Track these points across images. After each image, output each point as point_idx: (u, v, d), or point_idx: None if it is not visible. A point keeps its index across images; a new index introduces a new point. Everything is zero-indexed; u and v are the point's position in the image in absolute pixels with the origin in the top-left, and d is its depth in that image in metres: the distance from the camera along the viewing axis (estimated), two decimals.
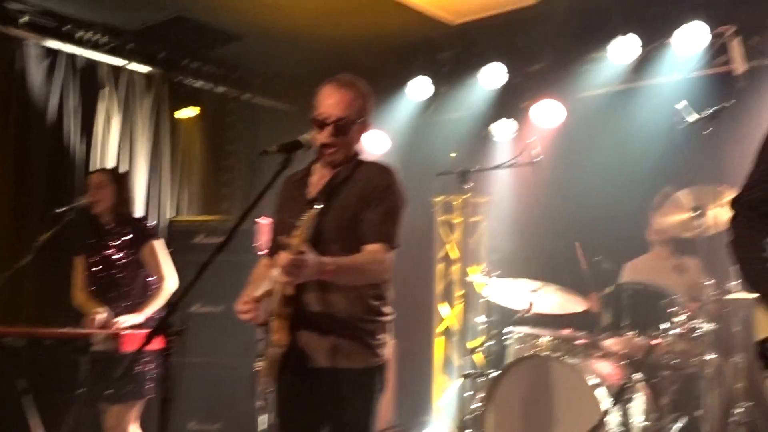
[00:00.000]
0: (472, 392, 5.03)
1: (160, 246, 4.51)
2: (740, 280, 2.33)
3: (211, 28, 6.26)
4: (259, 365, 2.83)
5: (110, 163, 6.17)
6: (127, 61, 6.44)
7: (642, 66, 5.92)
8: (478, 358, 5.42)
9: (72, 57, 6.13)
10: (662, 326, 4.48)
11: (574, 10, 5.87)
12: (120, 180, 4.61)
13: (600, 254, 5.17)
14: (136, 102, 6.56)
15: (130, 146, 6.50)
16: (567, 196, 6.13)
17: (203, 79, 7.01)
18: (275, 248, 2.90)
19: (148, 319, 4.29)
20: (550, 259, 5.73)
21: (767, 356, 2.18)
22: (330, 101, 2.88)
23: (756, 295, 2.25)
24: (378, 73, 6.66)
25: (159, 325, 2.37)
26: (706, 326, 4.46)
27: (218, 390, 5.58)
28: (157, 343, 2.36)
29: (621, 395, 4.32)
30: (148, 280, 4.47)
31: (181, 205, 6.90)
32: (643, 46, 5.77)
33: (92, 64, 6.26)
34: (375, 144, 6.75)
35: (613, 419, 4.25)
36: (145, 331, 4.02)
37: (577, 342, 4.86)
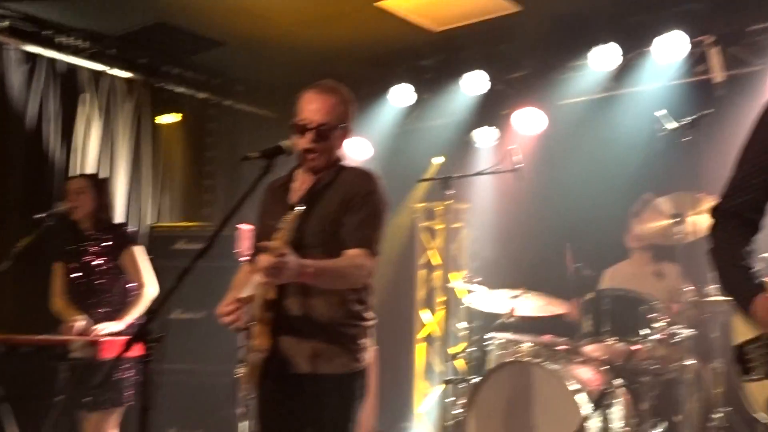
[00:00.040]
0: (453, 398, 5.04)
1: (140, 252, 4.48)
2: (719, 287, 2.35)
3: (192, 34, 6.24)
4: (241, 372, 2.82)
5: (90, 169, 6.12)
6: (108, 67, 6.41)
7: (622, 74, 5.98)
8: (460, 364, 5.43)
9: (52, 62, 6.09)
10: (642, 332, 4.51)
11: (555, 18, 5.91)
12: (100, 186, 4.58)
13: (580, 261, 5.19)
14: (116, 107, 6.52)
15: (111, 152, 6.46)
16: (548, 203, 6.16)
17: (185, 84, 6.99)
18: (257, 254, 2.89)
19: (129, 327, 4.26)
20: (531, 266, 5.76)
21: (744, 360, 2.20)
22: (311, 107, 2.88)
23: (733, 303, 2.27)
24: (360, 80, 6.67)
25: (138, 332, 2.36)
26: (686, 332, 4.49)
27: (199, 397, 5.54)
28: (137, 350, 2.35)
29: (601, 401, 4.34)
30: (128, 286, 4.43)
31: (162, 211, 6.87)
32: (624, 54, 5.83)
33: (73, 69, 6.23)
34: (357, 150, 6.76)
35: (594, 425, 4.27)
36: (124, 338, 4.00)
37: (557, 348, 4.88)
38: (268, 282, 2.67)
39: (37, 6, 5.79)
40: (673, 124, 4.54)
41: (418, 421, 6.94)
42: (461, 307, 5.70)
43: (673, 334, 4.53)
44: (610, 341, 4.58)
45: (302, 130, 2.87)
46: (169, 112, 6.93)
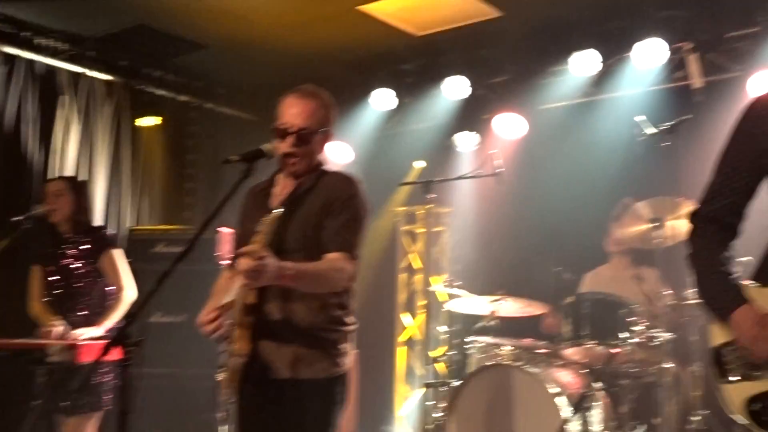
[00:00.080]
0: (434, 402, 5.04)
1: (119, 255, 4.45)
2: (697, 293, 2.36)
3: (173, 37, 6.22)
4: (221, 376, 2.80)
5: (69, 172, 6.08)
6: (87, 69, 6.36)
7: (602, 79, 6.02)
8: (441, 367, 5.44)
9: (31, 63, 6.04)
10: (621, 335, 4.53)
11: (536, 24, 5.95)
12: (79, 188, 4.54)
13: (561, 264, 5.22)
14: (96, 110, 6.48)
15: (90, 154, 6.42)
16: (528, 207, 6.19)
17: (165, 87, 6.95)
18: (237, 259, 2.88)
19: (108, 331, 4.23)
20: (512, 269, 5.78)
21: (721, 363, 2.22)
22: (292, 111, 2.87)
23: (710, 312, 2.29)
24: (341, 84, 6.67)
25: (117, 336, 2.34)
26: (664, 335, 4.53)
27: (179, 401, 5.51)
28: (115, 354, 2.33)
29: (581, 404, 4.37)
30: (106, 289, 4.40)
31: (142, 214, 6.83)
32: (604, 60, 5.87)
33: (52, 71, 6.18)
34: (338, 154, 6.76)
35: (573, 428, 4.29)
36: (102, 342, 3.97)
37: (538, 351, 4.90)
38: (248, 285, 2.66)
39: (16, 7, 5.74)
40: (652, 130, 4.58)
41: (399, 424, 6.94)
42: (442, 310, 5.72)
43: (652, 338, 4.56)
44: (590, 344, 4.60)
45: (283, 134, 2.86)
46: (149, 114, 6.89)
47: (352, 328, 2.93)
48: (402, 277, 7.31)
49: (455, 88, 6.45)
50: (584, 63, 5.88)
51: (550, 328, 5.09)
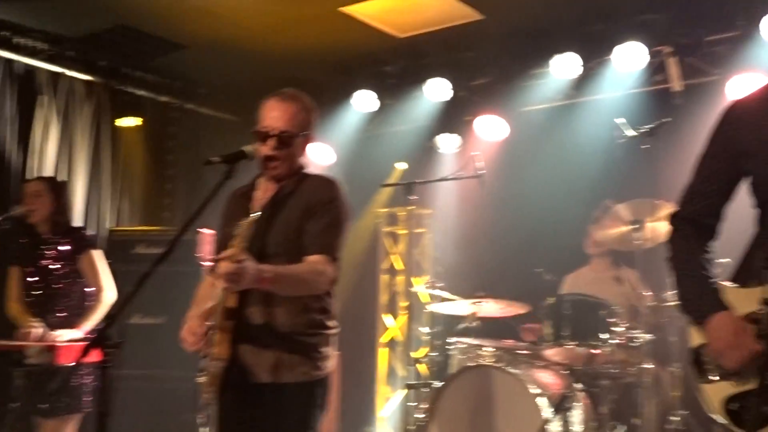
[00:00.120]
0: (415, 403, 5.05)
1: (98, 256, 4.42)
2: (675, 293, 2.38)
3: (154, 37, 6.18)
4: (201, 380, 2.79)
5: (48, 172, 6.03)
6: (66, 69, 6.32)
7: (583, 82, 6.06)
8: (422, 368, 5.44)
9: (9, 63, 5.99)
10: (602, 336, 4.56)
11: (517, 27, 5.97)
12: (58, 189, 4.51)
13: (542, 266, 5.24)
14: (75, 110, 6.44)
15: (69, 155, 6.37)
16: (510, 209, 6.21)
17: (146, 88, 6.92)
18: (216, 264, 2.86)
19: (87, 333, 4.20)
20: (493, 271, 5.80)
21: (700, 362, 2.24)
22: (273, 114, 2.87)
23: (687, 315, 2.31)
24: (323, 85, 6.68)
25: (97, 337, 2.32)
26: (644, 336, 4.56)
27: (158, 404, 5.47)
28: (95, 356, 2.31)
29: (562, 404, 4.39)
30: (86, 291, 4.37)
31: (122, 215, 6.79)
32: (584, 63, 5.90)
33: (31, 71, 6.14)
34: (320, 156, 6.75)
35: (554, 428, 4.31)
36: (82, 344, 3.93)
37: (519, 352, 4.92)
38: (228, 289, 2.65)
39: None
40: (632, 132, 4.62)
41: (381, 425, 6.93)
42: (424, 311, 5.72)
43: (632, 339, 4.60)
44: (571, 345, 4.63)
45: (264, 137, 2.86)
46: (129, 115, 6.84)
47: (333, 331, 2.92)
48: (384, 278, 7.31)
49: (437, 90, 6.46)
50: (565, 66, 5.91)
51: (529, 337, 5.11)
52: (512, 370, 4.56)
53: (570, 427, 4.42)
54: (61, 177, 6.03)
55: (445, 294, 5.27)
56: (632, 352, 4.61)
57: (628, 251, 4.96)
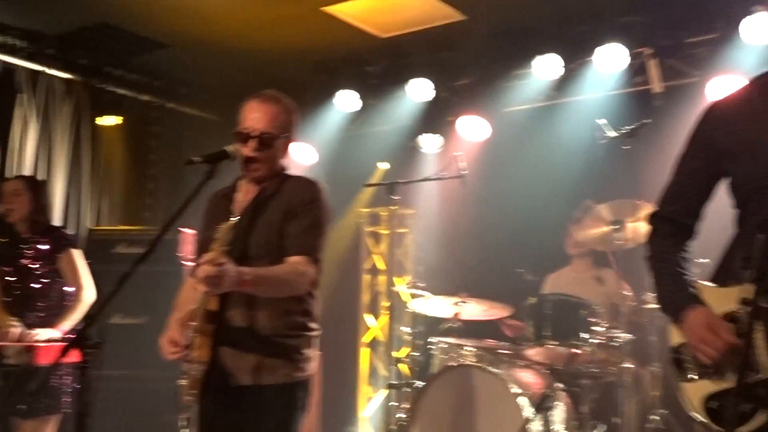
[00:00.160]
0: (397, 402, 5.05)
1: (78, 256, 4.39)
2: (654, 292, 2.41)
3: (135, 35, 6.14)
4: (183, 382, 2.77)
5: (27, 171, 5.98)
6: (46, 67, 6.26)
7: (564, 83, 6.09)
8: (404, 368, 5.45)
9: None
10: (583, 336, 4.58)
11: (499, 27, 5.99)
12: (37, 188, 4.47)
13: (523, 266, 5.26)
14: (55, 108, 6.38)
15: (49, 154, 6.32)
16: (491, 209, 6.23)
17: (126, 86, 6.87)
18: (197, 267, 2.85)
19: (66, 333, 4.16)
20: (475, 271, 5.81)
21: (679, 361, 2.26)
22: (254, 115, 2.86)
23: (664, 312, 2.33)
24: (305, 85, 6.67)
25: (76, 338, 2.31)
26: (625, 336, 4.59)
27: (139, 404, 5.44)
28: (74, 356, 2.30)
29: (543, 404, 4.40)
30: (65, 290, 4.34)
31: (102, 215, 6.74)
32: (566, 64, 5.93)
33: (9, 69, 6.08)
34: (302, 156, 6.74)
35: (535, 427, 4.32)
36: (61, 344, 3.90)
37: (500, 352, 4.94)
38: (209, 293, 2.64)
39: None
40: (613, 133, 4.64)
41: (362, 425, 6.93)
42: (405, 311, 5.72)
43: (613, 338, 4.62)
44: (552, 345, 4.65)
45: (245, 138, 2.84)
46: (110, 114, 6.80)
47: (315, 333, 2.91)
48: (366, 278, 7.31)
49: (419, 90, 6.47)
50: (547, 67, 5.94)
51: (511, 332, 5.12)
52: (494, 370, 4.57)
53: (551, 427, 4.43)
54: (41, 176, 5.98)
55: (427, 294, 5.27)
56: (613, 352, 4.63)
57: (608, 252, 4.99)
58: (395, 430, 4.95)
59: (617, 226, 4.76)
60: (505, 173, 6.20)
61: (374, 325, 7.17)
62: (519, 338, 4.91)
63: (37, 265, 4.27)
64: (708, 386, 2.15)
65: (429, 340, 5.20)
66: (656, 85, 5.65)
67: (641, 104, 5.70)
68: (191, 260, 3.04)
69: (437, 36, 6.08)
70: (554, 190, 5.73)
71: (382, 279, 7.16)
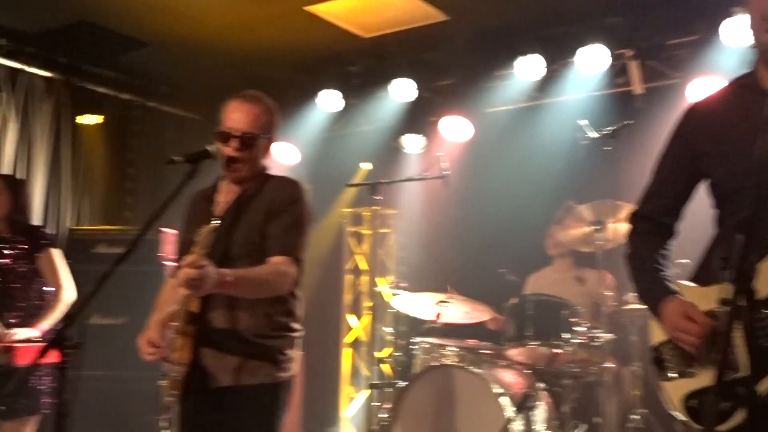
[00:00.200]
0: (379, 402, 5.04)
1: (57, 255, 4.34)
2: (634, 289, 2.43)
3: (115, 34, 6.10)
4: (163, 383, 2.75)
5: (6, 170, 5.92)
6: (26, 65, 6.20)
7: (546, 84, 6.12)
8: (386, 368, 5.45)
9: None
10: (564, 336, 4.60)
11: (481, 28, 6.01)
12: (16, 187, 4.43)
13: (505, 266, 5.27)
14: (35, 107, 6.32)
15: (28, 152, 6.26)
16: (474, 210, 6.25)
17: (107, 85, 6.83)
18: (178, 270, 2.83)
19: (45, 333, 4.13)
20: (457, 271, 5.82)
21: (660, 360, 2.27)
22: (236, 115, 2.85)
23: (645, 306, 2.36)
24: (288, 85, 6.65)
25: (55, 338, 2.29)
26: (605, 336, 4.62)
27: (118, 405, 5.41)
28: (53, 357, 2.28)
29: (524, 404, 4.42)
30: (44, 290, 4.29)
31: (82, 214, 6.69)
32: (548, 65, 5.95)
33: None
34: (284, 156, 6.72)
35: (517, 427, 4.34)
36: (40, 344, 3.87)
37: (482, 352, 4.95)
38: (190, 295, 2.63)
39: None
40: (594, 134, 4.67)
41: (344, 425, 6.93)
42: (388, 311, 5.72)
43: (594, 338, 4.65)
44: (533, 345, 4.66)
45: (226, 137, 2.83)
46: (90, 112, 6.75)
47: (298, 334, 2.90)
48: (348, 278, 7.30)
49: (402, 91, 6.47)
50: (529, 67, 5.96)
51: (494, 326, 5.13)
52: (475, 370, 4.58)
53: (532, 426, 4.45)
54: (20, 175, 5.93)
55: (410, 293, 5.27)
56: (594, 352, 4.66)
57: (589, 252, 5.01)
58: (377, 430, 4.95)
59: (598, 227, 4.78)
60: (488, 174, 6.22)
61: (356, 326, 7.17)
62: (501, 333, 4.91)
63: (16, 265, 4.23)
64: (688, 385, 2.17)
65: (411, 340, 5.21)
66: (637, 87, 5.69)
67: (623, 105, 5.74)
68: (172, 260, 3.01)
69: (420, 36, 6.08)
70: (536, 191, 5.75)
71: (364, 279, 7.16)
